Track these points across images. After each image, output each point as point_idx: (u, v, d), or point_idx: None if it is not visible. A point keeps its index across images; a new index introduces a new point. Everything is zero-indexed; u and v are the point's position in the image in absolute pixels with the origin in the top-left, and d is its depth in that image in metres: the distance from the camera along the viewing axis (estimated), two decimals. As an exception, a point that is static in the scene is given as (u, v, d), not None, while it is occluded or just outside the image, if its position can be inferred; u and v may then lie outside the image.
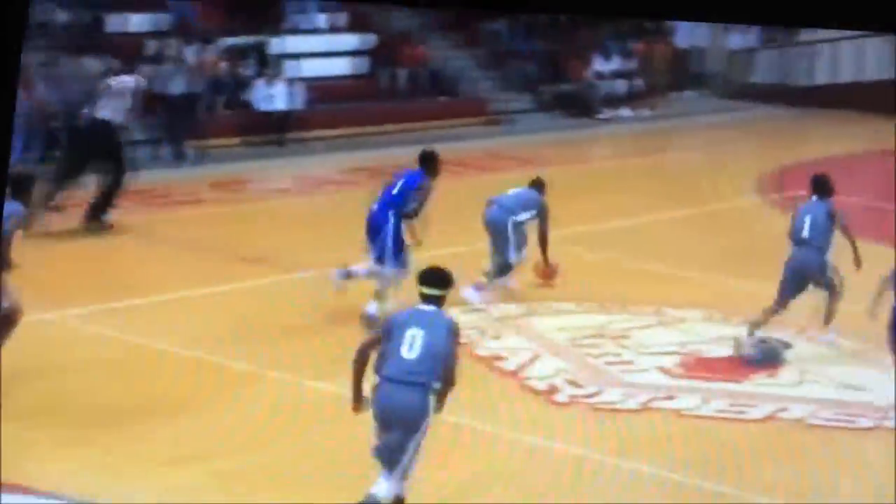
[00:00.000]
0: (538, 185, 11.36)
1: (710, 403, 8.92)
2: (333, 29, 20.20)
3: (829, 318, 10.09)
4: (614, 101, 21.32)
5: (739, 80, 23.87)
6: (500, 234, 10.84)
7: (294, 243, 12.57)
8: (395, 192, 10.11)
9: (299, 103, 18.41)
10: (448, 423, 8.30)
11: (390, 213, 10.00)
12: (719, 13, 5.08)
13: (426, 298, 6.48)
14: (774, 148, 19.86)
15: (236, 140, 17.87)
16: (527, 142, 18.93)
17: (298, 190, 16.15)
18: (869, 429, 8.66)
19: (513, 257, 10.86)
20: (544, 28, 22.22)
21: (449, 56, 20.74)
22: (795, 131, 21.38)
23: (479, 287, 10.73)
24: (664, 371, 9.56)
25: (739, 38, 23.94)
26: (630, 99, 21.50)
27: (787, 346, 10.12)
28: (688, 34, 23.28)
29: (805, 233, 9.92)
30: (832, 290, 10.00)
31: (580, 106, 20.99)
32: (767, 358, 9.86)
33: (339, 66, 19.68)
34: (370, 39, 19.97)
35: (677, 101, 22.73)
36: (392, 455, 6.31)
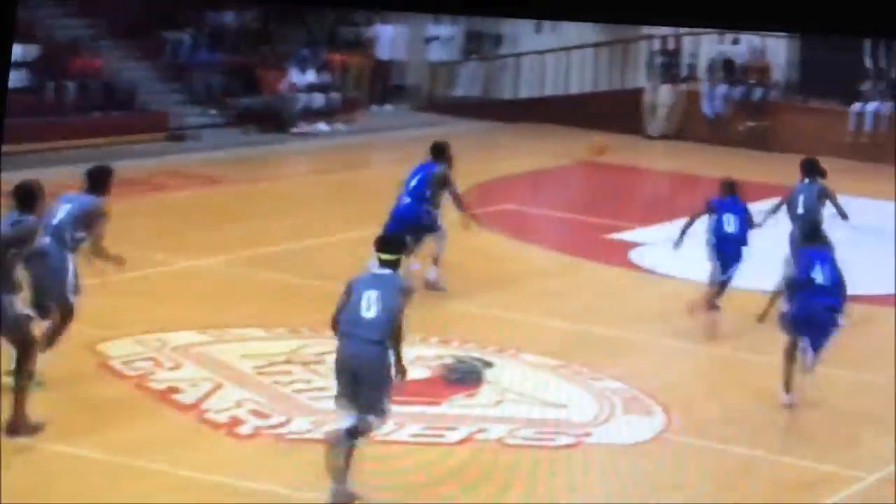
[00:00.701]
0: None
1: (405, 428, 8.99)
2: (-9, 38, 19.27)
3: None
4: (310, 114, 21.34)
5: (442, 93, 24.40)
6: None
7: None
8: (414, 184, 12.17)
9: (-50, 120, 17.41)
10: (114, 463, 8.03)
11: (418, 203, 12.10)
12: (719, 18, 5.20)
13: (383, 263, 7.75)
14: (477, 162, 20.27)
15: None
16: (214, 158, 18.64)
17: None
18: (568, 446, 8.94)
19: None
20: (234, 38, 22.01)
21: (125, 67, 20.22)
22: (499, 145, 22.03)
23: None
24: (359, 396, 9.59)
25: (441, 50, 24.49)
26: (327, 113, 21.57)
27: (488, 364, 10.36)
28: (388, 46, 23.62)
29: (800, 210, 12.07)
30: None
31: (273, 120, 20.91)
32: (467, 378, 10.05)
33: (-2, 79, 18.77)
34: (32, 50, 19.18)
35: (377, 115, 22.94)
36: (369, 402, 7.52)
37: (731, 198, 11.95)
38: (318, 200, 16.38)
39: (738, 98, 22.41)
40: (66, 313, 9.18)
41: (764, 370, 10.70)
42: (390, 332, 7.54)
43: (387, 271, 7.71)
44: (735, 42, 23.07)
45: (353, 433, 7.57)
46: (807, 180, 12.44)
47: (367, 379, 7.51)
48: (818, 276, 9.83)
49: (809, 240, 10.38)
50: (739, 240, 11.83)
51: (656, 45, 23.53)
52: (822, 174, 12.45)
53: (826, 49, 21.19)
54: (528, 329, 11.39)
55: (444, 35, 24.45)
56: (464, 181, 18.32)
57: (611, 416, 9.51)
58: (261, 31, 22.41)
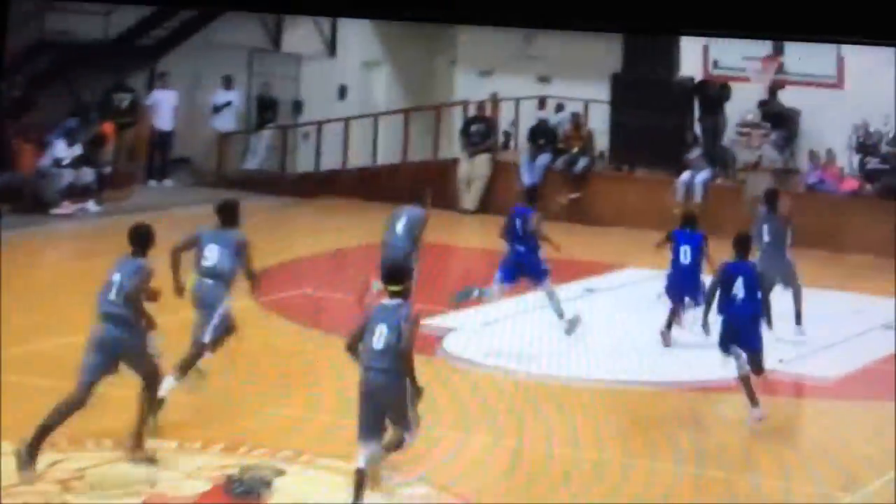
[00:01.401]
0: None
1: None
2: None
3: (798, 317, 14.41)
4: (76, 192, 20.86)
5: (230, 166, 24.13)
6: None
7: None
8: (523, 234, 14.31)
9: None
10: None
11: (533, 250, 14.29)
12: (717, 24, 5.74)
13: (392, 294, 9.25)
14: (271, 242, 20.02)
15: None
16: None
17: None
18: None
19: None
20: (-15, 106, 21.41)
21: None
22: (297, 223, 21.86)
23: None
24: (122, 518, 9.21)
25: (231, 118, 24.25)
26: (96, 190, 21.12)
27: (279, 472, 10.08)
28: (169, 114, 23.27)
29: (766, 237, 14.28)
30: (796, 289, 14.40)
31: (30, 200, 20.35)
32: (253, 489, 9.74)
33: None
34: None
35: (155, 192, 22.58)
36: (382, 427, 9.26)
37: (688, 230, 14.44)
38: (81, 291, 15.73)
39: (559, 168, 22.69)
40: (203, 345, 11.28)
41: (586, 468, 10.67)
42: (398, 360, 9.08)
43: (394, 302, 9.22)
44: (559, 109, 23.42)
45: (390, 446, 9.36)
46: (767, 210, 14.75)
47: (386, 403, 9.17)
48: (739, 290, 11.93)
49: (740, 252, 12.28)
50: (694, 270, 14.16)
51: (471, 111, 23.74)
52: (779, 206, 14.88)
53: (651, 116, 21.68)
54: (327, 430, 11.15)
55: (234, 101, 24.25)
56: (256, 262, 18.03)
57: (417, 526, 9.35)
58: (20, 99, 21.84)
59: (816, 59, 19.77)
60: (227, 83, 24.18)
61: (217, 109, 24.13)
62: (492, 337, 14.70)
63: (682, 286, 14.17)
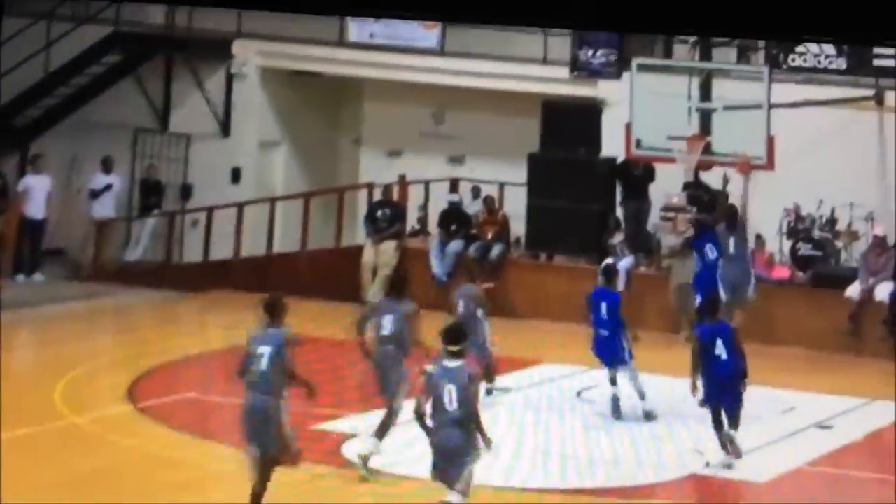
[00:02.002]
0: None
1: None
2: None
3: None
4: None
5: (109, 257, 23.97)
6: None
7: None
8: (607, 316, 15.47)
9: None
10: None
11: (619, 332, 15.48)
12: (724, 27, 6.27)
13: (451, 354, 10.82)
14: (153, 341, 19.96)
15: None
16: None
17: None
18: None
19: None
20: None
21: None
22: (182, 319, 21.72)
23: None
24: None
25: (111, 204, 24.10)
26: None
27: None
28: (41, 201, 23.06)
29: (731, 249, 17.77)
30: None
31: None
32: None
33: None
34: None
35: (24, 287, 22.32)
36: (458, 477, 10.80)
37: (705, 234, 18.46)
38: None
39: (472, 256, 22.74)
40: (395, 411, 13.52)
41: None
42: (470, 418, 10.74)
43: (456, 363, 10.78)
44: (476, 194, 23.54)
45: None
46: (727, 230, 18.25)
47: (455, 460, 10.78)
48: (721, 350, 13.47)
49: (710, 314, 14.03)
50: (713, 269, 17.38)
51: (377, 194, 23.76)
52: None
53: (571, 200, 21.85)
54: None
55: (114, 185, 24.12)
56: (136, 363, 18.00)
57: None
58: None
59: (745, 138, 20.06)
60: (107, 165, 24.06)
61: (95, 194, 23.94)
62: (393, 442, 14.68)
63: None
